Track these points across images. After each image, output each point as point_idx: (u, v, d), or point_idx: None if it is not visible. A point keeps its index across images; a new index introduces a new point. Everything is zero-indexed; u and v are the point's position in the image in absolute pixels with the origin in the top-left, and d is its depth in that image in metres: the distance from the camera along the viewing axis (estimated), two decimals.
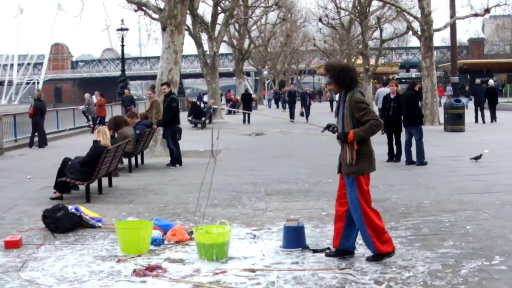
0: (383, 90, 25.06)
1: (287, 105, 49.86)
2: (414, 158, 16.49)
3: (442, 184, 13.03)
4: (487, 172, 14.65)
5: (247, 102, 39.90)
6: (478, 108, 32.26)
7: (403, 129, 16.86)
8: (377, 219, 7.36)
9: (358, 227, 7.41)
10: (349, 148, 7.25)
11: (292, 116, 38.07)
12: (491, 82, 36.03)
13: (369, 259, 7.35)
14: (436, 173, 14.83)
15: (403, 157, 16.81)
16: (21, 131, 26.49)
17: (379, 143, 17.16)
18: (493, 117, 32.31)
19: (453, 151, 19.28)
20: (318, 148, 19.89)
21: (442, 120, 28.80)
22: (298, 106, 41.21)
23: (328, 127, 7.59)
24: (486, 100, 32.85)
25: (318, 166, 15.82)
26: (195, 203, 10.28)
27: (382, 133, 17.09)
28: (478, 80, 38.22)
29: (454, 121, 26.57)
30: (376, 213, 7.43)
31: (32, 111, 24.20)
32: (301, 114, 38.16)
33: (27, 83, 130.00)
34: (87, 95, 35.25)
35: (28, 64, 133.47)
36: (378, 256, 7.32)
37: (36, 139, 24.45)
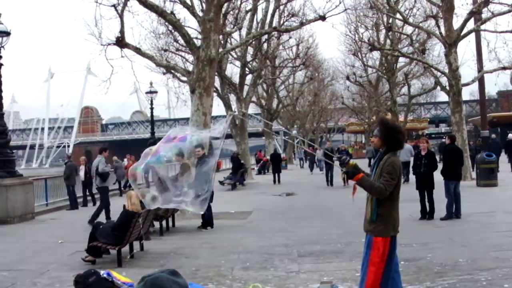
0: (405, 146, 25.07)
1: (318, 165, 48.85)
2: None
3: (477, 241, 12.82)
4: None
5: (276, 162, 39.72)
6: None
7: (447, 183, 16.88)
8: None
9: (359, 286, 7.31)
10: (370, 203, 7.17)
11: (330, 180, 32.60)
12: (510, 136, 36.93)
13: None
14: (470, 230, 14.61)
15: (437, 214, 16.66)
16: (52, 195, 26.71)
17: (411, 200, 17.14)
18: None
19: (487, 207, 18.99)
20: (349, 208, 19.62)
21: (474, 175, 28.46)
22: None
23: (339, 158, 7.47)
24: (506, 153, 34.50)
25: (349, 226, 15.60)
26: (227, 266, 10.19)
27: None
28: (493, 135, 38.72)
29: (487, 176, 26.18)
30: (376, 285, 7.12)
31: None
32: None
33: (58, 147, 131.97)
34: (115, 158, 35.47)
35: (59, 127, 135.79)
36: None
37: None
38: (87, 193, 26.53)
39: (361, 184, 7.06)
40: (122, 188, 32.90)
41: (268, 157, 48.68)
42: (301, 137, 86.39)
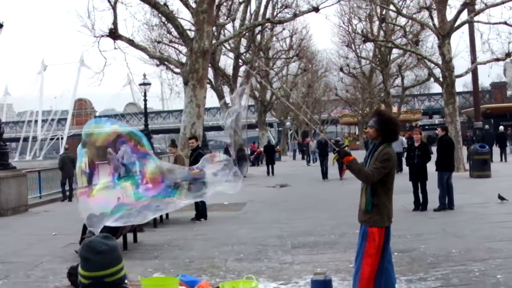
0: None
1: (312, 157, 48.69)
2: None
3: (471, 232, 12.84)
4: None
5: (270, 154, 39.69)
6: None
7: (441, 174, 16.94)
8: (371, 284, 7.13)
9: (353, 278, 7.28)
10: (364, 193, 7.15)
11: (324, 173, 31.15)
12: (501, 128, 38.91)
13: None
14: (464, 221, 14.62)
15: (430, 205, 16.70)
16: (46, 187, 26.66)
17: (404, 191, 17.14)
18: (502, 158, 36.23)
19: (480, 198, 19.01)
20: (342, 199, 19.69)
21: (467, 167, 28.49)
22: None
23: (336, 141, 7.47)
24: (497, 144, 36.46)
25: (343, 217, 15.58)
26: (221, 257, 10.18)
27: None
28: (487, 126, 39.41)
29: (480, 167, 26.19)
30: (372, 276, 7.13)
31: None
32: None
33: (51, 139, 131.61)
34: (109, 150, 35.61)
35: (52, 120, 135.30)
36: None
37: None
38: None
39: (349, 166, 7.05)
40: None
41: (262, 149, 48.64)
42: (294, 129, 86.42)
